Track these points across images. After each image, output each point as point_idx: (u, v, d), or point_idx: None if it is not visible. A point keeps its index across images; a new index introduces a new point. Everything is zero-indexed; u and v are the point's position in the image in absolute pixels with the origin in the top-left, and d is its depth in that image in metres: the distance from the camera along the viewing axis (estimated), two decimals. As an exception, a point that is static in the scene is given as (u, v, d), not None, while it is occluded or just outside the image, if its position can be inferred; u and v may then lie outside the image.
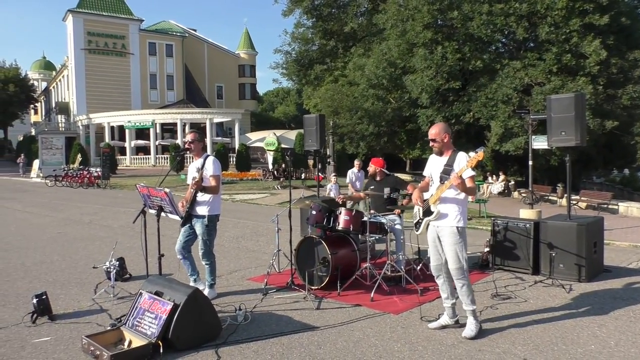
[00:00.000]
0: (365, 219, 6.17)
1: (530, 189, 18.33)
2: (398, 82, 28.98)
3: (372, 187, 6.95)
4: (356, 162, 11.44)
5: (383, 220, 6.32)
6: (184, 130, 42.83)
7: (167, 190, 5.06)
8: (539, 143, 17.49)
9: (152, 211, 5.23)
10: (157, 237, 5.06)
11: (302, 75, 39.46)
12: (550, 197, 23.62)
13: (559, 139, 6.67)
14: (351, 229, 6.03)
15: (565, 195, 16.77)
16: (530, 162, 17.52)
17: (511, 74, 24.91)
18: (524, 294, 5.76)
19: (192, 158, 5.71)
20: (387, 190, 6.81)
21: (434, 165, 4.66)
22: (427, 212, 4.60)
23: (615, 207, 19.63)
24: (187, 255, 5.64)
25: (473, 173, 4.38)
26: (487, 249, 7.14)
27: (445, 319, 4.72)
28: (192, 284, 5.73)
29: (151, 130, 43.06)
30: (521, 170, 31.04)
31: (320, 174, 23.57)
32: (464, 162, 4.33)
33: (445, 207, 4.51)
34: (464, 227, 4.51)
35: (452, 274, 4.52)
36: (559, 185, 23.12)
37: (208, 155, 5.62)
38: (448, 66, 25.28)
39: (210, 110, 46.01)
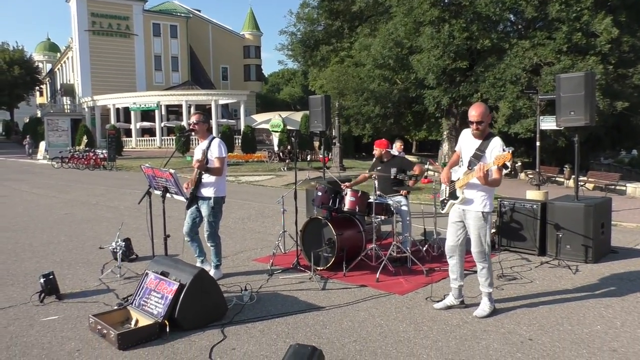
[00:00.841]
0: (371, 200, 6.15)
1: (537, 170, 18.21)
2: (404, 63, 28.66)
3: (378, 168, 6.92)
4: (397, 143, 10.23)
5: (389, 202, 6.31)
6: (189, 111, 42.74)
7: (172, 171, 5.06)
8: (547, 124, 17.33)
9: (158, 192, 5.24)
10: (162, 218, 5.08)
11: (307, 56, 39.10)
12: (557, 179, 23.50)
13: (568, 119, 6.59)
14: (357, 210, 6.02)
15: (573, 176, 16.66)
16: (538, 143, 17.37)
17: (520, 53, 24.57)
18: (530, 275, 5.76)
19: (198, 140, 5.68)
20: (393, 171, 6.77)
21: (467, 144, 4.53)
22: (453, 195, 4.58)
23: (623, 188, 19.50)
24: (194, 237, 5.67)
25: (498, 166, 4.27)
26: (493, 230, 7.12)
27: (450, 299, 4.74)
28: (199, 265, 5.76)
29: (156, 112, 42.98)
30: (528, 152, 30.86)
31: (326, 155, 23.55)
32: (495, 154, 4.22)
33: (471, 192, 4.47)
34: (490, 213, 4.47)
35: (474, 256, 4.54)
36: (566, 166, 22.98)
37: (214, 137, 5.61)
38: (455, 45, 24.95)
39: (215, 92, 45.82)
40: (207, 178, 5.46)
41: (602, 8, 23.15)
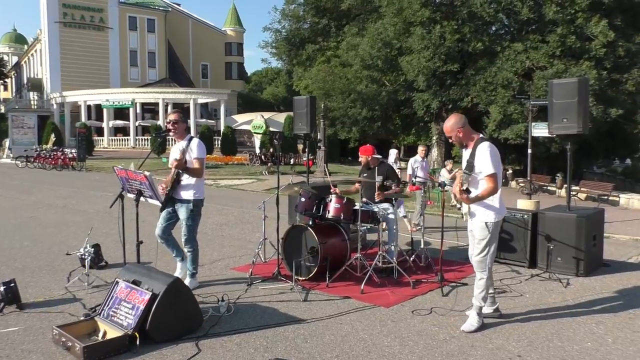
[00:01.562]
0: (356, 207, 6.16)
1: (528, 178, 18.46)
2: (393, 64, 28.89)
3: (364, 174, 6.94)
4: (420, 149, 10.12)
5: (375, 209, 6.32)
6: (166, 110, 42.45)
7: (147, 173, 5.01)
8: (539, 130, 17.58)
9: (131, 195, 5.18)
10: (135, 223, 5.02)
11: (292, 55, 39.16)
12: (549, 188, 23.83)
13: (560, 126, 6.69)
14: (342, 217, 6.03)
15: (565, 185, 16.91)
16: (529, 150, 17.62)
17: (512, 56, 24.92)
18: (519, 288, 5.82)
19: (174, 140, 5.66)
20: (379, 178, 6.80)
21: (464, 156, 4.67)
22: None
23: (616, 198, 19.85)
24: (169, 238, 5.65)
25: (491, 171, 4.34)
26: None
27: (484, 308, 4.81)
28: (179, 265, 5.77)
29: (131, 110, 42.61)
30: (519, 159, 31.26)
31: (310, 159, 23.56)
32: (480, 163, 4.34)
33: (477, 204, 4.54)
34: (495, 223, 4.50)
35: (474, 264, 4.62)
36: (559, 175, 23.33)
37: (192, 137, 5.59)
38: (446, 47, 25.24)
39: (194, 90, 45.61)
40: (186, 180, 5.45)
41: (597, 11, 23.60)
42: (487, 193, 4.40)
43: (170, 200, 5.50)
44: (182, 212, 5.48)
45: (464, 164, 4.58)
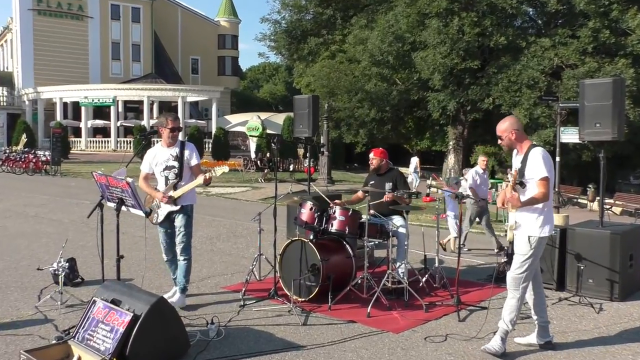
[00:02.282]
0: (363, 220, 6.16)
1: (556, 189, 18.45)
2: (406, 60, 28.99)
3: (372, 182, 6.94)
4: (482, 159, 9.92)
5: (384, 222, 6.32)
6: (151, 109, 42.58)
7: (129, 180, 5.02)
8: (569, 136, 17.61)
9: (111, 204, 5.19)
10: (116, 235, 5.02)
11: (293, 49, 39.33)
12: (579, 200, 23.78)
13: (592, 132, 6.70)
14: (347, 231, 6.03)
15: (598, 198, 16.88)
16: (558, 159, 17.61)
17: (538, 53, 25.00)
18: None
19: (156, 143, 5.78)
20: (388, 185, 6.80)
21: (514, 162, 4.80)
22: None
23: (656, 213, 19.78)
24: (174, 257, 5.83)
25: (543, 174, 4.45)
26: (504, 259, 7.16)
27: (532, 337, 4.86)
28: (176, 288, 5.87)
29: (112, 108, 42.74)
30: (547, 168, 31.21)
31: (311, 165, 23.58)
32: (532, 169, 4.48)
33: (521, 214, 4.62)
34: (539, 238, 4.55)
35: (507, 280, 4.67)
36: (590, 186, 23.26)
37: (183, 142, 5.79)
38: (465, 42, 25.35)
39: (183, 87, 45.75)
40: (183, 190, 5.63)
41: (634, 2, 23.64)
42: (539, 197, 4.47)
43: (166, 215, 5.69)
44: (180, 219, 5.68)
45: (515, 169, 4.71)
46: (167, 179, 5.69)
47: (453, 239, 9.46)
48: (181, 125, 5.90)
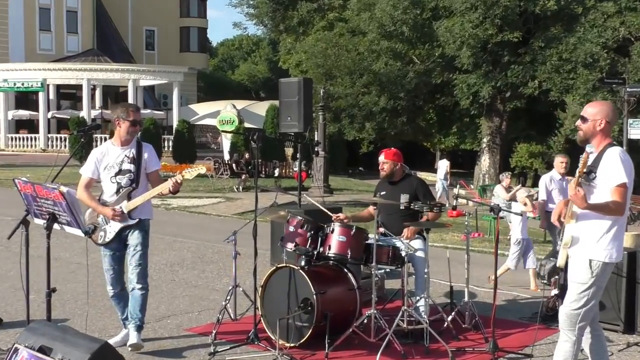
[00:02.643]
0: (370, 241, 6.16)
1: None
2: (426, 32, 29.07)
3: (382, 193, 6.94)
4: (560, 160, 9.56)
5: (398, 244, 6.32)
6: (92, 96, 42.44)
7: (64, 189, 5.00)
8: (639, 130, 17.67)
9: (40, 221, 5.18)
10: (46, 261, 5.01)
11: (279, 17, 39.44)
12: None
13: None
14: (349, 255, 6.02)
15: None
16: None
17: (599, 21, 25.08)
18: (610, 362, 5.80)
19: (102, 140, 5.78)
20: (404, 197, 6.80)
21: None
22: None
23: None
24: (123, 291, 5.85)
25: (622, 180, 4.42)
26: (554, 292, 7.16)
27: None
28: (126, 331, 5.85)
29: (41, 95, 42.54)
30: (610, 172, 31.30)
31: (303, 170, 23.55)
32: (607, 171, 4.46)
33: (582, 227, 4.58)
34: (604, 264, 4.52)
35: (560, 317, 4.67)
36: (668, 196, 23.37)
37: (140, 142, 5.84)
38: (503, 7, 25.40)
39: (134, 67, 45.62)
40: (141, 200, 5.66)
41: None
42: (612, 207, 4.44)
43: (121, 232, 5.70)
44: (136, 236, 5.69)
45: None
46: (119, 186, 5.68)
47: (532, 274, 9.27)
48: (140, 118, 5.91)
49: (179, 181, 5.46)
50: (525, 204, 9.33)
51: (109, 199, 5.71)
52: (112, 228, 5.67)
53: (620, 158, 4.47)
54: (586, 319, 4.60)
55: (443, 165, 25.74)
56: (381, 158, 6.99)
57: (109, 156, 5.75)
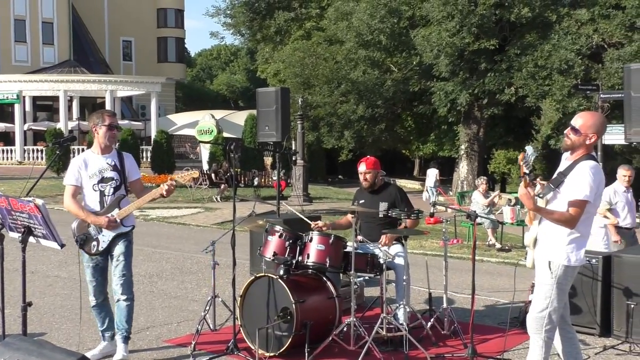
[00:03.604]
0: (349, 249, 6.17)
1: (599, 205, 18.69)
2: (403, 40, 29.21)
3: (361, 201, 6.96)
4: (623, 173, 9.26)
5: (377, 252, 6.33)
6: (69, 108, 42.20)
7: (39, 201, 4.97)
8: (614, 136, 17.85)
9: (15, 234, 5.14)
10: (21, 275, 4.97)
11: (256, 26, 39.43)
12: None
13: (641, 131, 6.80)
14: (328, 264, 6.02)
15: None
16: (600, 165, 17.88)
17: (573, 29, 25.35)
18: (588, 365, 5.84)
19: (79, 150, 5.77)
20: (383, 205, 6.82)
21: (561, 165, 4.82)
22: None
23: None
24: (105, 301, 5.82)
25: (581, 197, 4.46)
26: (532, 297, 7.20)
27: None
28: (102, 345, 5.84)
29: (17, 107, 42.26)
30: (587, 177, 31.55)
31: (282, 179, 23.55)
32: (573, 182, 4.50)
33: (546, 228, 4.64)
34: (565, 267, 4.57)
35: (527, 321, 4.71)
36: (644, 199, 23.60)
37: (120, 151, 5.89)
38: (479, 15, 25.61)
39: (112, 78, 45.47)
40: (132, 208, 5.70)
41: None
42: (560, 218, 4.50)
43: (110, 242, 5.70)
44: (121, 246, 5.68)
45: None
46: (102, 194, 5.65)
47: None
48: (117, 122, 5.92)
49: (172, 187, 5.48)
50: (605, 216, 8.98)
51: (93, 208, 5.65)
52: (106, 237, 5.61)
53: (591, 173, 4.50)
54: (552, 322, 4.63)
55: (432, 173, 25.84)
56: (362, 168, 7.02)
57: (91, 164, 5.71)
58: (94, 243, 5.63)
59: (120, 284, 5.63)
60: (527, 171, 4.49)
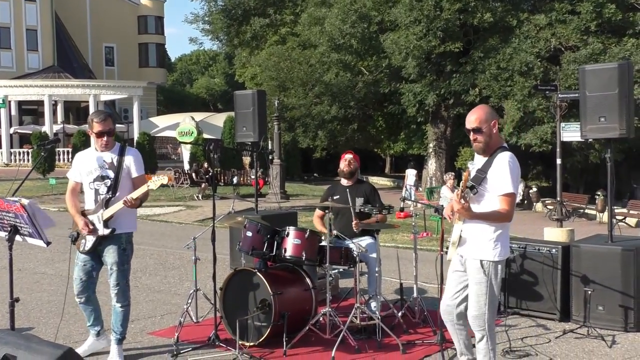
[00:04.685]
0: (324, 243, 6.19)
1: (558, 198, 18.87)
2: (373, 44, 29.31)
3: (336, 197, 6.97)
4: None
5: (351, 245, 6.36)
6: (54, 111, 41.79)
7: (25, 201, 4.93)
8: (571, 133, 18.00)
9: (2, 233, 5.09)
10: (8, 272, 4.93)
11: (233, 32, 39.28)
12: (587, 211, 24.38)
13: (596, 128, 6.88)
14: (304, 257, 6.04)
15: (608, 207, 17.33)
16: (559, 161, 17.99)
17: (533, 33, 25.61)
18: (548, 349, 5.92)
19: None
20: (359, 201, 6.86)
21: (475, 165, 4.76)
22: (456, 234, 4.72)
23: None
24: (91, 297, 5.65)
25: (509, 190, 4.45)
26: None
27: None
28: (90, 340, 5.75)
29: (2, 111, 41.74)
30: (547, 172, 31.97)
31: (260, 177, 23.52)
32: (497, 174, 4.47)
33: (471, 228, 4.60)
34: (494, 263, 4.56)
35: (470, 321, 4.67)
36: (599, 193, 23.90)
37: (123, 146, 5.65)
38: (444, 20, 25.76)
39: (95, 83, 45.06)
40: (116, 208, 5.41)
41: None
42: (498, 217, 4.49)
43: (99, 243, 5.52)
44: (112, 253, 5.49)
45: (472, 174, 4.66)
46: (97, 192, 5.51)
47: None
48: (109, 127, 5.53)
49: (133, 199, 5.29)
50: None
51: (88, 206, 5.54)
52: (90, 238, 5.47)
53: (510, 165, 4.49)
54: (492, 315, 4.62)
55: (411, 173, 25.89)
56: (349, 156, 7.13)
57: (90, 161, 5.58)
58: (83, 241, 5.51)
59: (115, 293, 5.52)
60: (469, 186, 4.50)
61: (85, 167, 5.58)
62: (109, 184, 5.48)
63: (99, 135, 5.50)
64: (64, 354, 4.19)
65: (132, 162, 5.56)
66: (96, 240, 5.46)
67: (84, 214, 5.51)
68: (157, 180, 5.31)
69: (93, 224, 5.42)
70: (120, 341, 5.61)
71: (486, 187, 4.54)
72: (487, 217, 4.51)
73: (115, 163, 5.51)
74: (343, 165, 7.12)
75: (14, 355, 4.24)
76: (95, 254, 5.54)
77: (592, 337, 6.24)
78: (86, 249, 5.50)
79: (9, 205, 4.97)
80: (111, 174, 5.50)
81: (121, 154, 5.56)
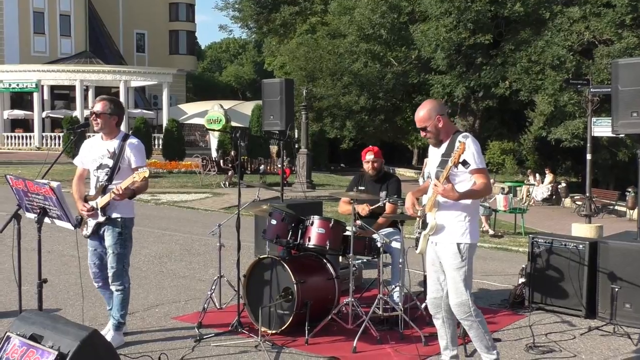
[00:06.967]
0: (348, 233, 6.19)
1: (587, 194, 18.63)
2: (403, 35, 29.17)
3: (361, 188, 6.96)
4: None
5: (375, 236, 6.34)
6: (85, 96, 42.19)
7: (54, 184, 4.97)
8: (602, 128, 17.75)
9: (31, 215, 5.15)
10: (37, 253, 4.98)
11: (263, 20, 39.37)
12: (616, 207, 24.04)
13: (628, 123, 6.77)
14: (328, 247, 6.04)
15: (638, 204, 17.09)
16: (589, 156, 17.75)
17: (565, 26, 25.27)
18: (572, 346, 5.86)
19: (90, 134, 5.72)
20: (383, 194, 6.84)
21: (432, 158, 4.87)
22: (425, 224, 4.78)
23: None
24: (107, 282, 5.68)
25: (481, 165, 4.57)
26: (521, 280, 7.22)
27: None
28: (111, 323, 5.76)
29: (35, 95, 42.29)
30: (576, 168, 31.56)
31: (286, 166, 23.56)
32: (465, 154, 4.47)
33: (444, 215, 4.67)
34: (472, 245, 4.66)
35: (454, 311, 4.70)
36: (630, 190, 23.55)
37: (127, 135, 5.69)
38: (475, 12, 25.53)
39: (125, 69, 45.40)
40: (108, 197, 5.45)
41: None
42: (482, 189, 4.60)
43: (99, 227, 5.56)
44: (108, 237, 5.54)
45: (434, 163, 4.76)
46: (98, 180, 5.59)
47: None
48: (101, 109, 5.50)
49: (120, 189, 5.25)
50: None
51: (91, 193, 5.60)
52: (91, 222, 5.56)
53: (472, 143, 4.60)
54: (472, 300, 4.67)
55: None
56: (371, 157, 7.04)
57: (94, 149, 5.66)
58: (85, 225, 5.60)
59: (110, 275, 5.55)
60: (462, 161, 4.49)
61: (90, 154, 5.67)
62: (108, 174, 5.54)
63: (91, 114, 5.58)
64: (89, 336, 4.24)
65: (131, 153, 5.56)
66: (95, 225, 5.54)
67: (87, 199, 5.57)
68: (140, 172, 5.28)
69: (94, 209, 5.48)
70: (118, 327, 5.62)
71: (456, 171, 4.58)
72: (472, 193, 4.58)
73: (116, 152, 5.54)
74: (367, 167, 7.07)
75: (41, 335, 4.31)
76: (100, 238, 5.61)
77: (618, 334, 6.17)
78: (87, 233, 5.60)
79: (39, 188, 5.02)
80: (111, 163, 5.54)
81: (122, 144, 5.58)
